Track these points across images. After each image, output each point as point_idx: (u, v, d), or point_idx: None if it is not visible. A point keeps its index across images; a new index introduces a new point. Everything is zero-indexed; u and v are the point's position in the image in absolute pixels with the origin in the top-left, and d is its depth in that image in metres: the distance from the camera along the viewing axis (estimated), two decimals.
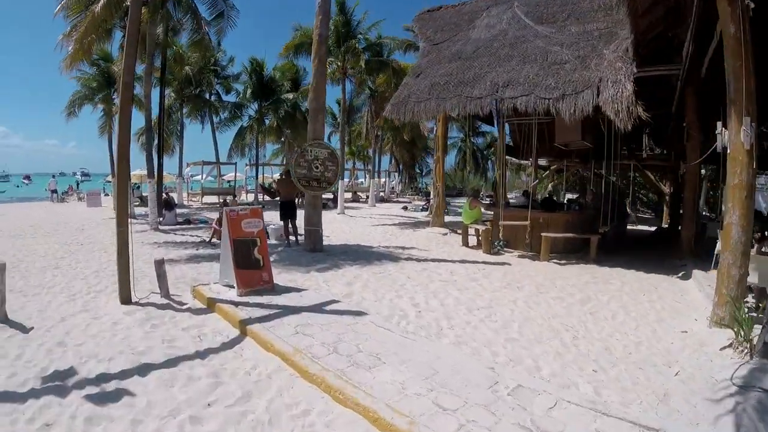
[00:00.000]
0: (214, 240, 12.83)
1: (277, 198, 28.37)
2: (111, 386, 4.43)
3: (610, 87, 8.94)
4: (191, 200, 30.31)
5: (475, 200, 13.20)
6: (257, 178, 30.89)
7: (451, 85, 11.64)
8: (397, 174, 46.84)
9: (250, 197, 32.06)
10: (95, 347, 5.37)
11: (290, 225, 12.02)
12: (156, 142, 19.24)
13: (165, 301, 7.28)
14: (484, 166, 47.81)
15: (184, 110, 29.32)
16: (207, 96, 29.97)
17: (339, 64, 22.85)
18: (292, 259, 10.32)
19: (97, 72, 23.93)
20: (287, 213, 11.98)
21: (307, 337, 5.26)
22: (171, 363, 4.99)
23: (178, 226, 17.08)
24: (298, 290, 7.39)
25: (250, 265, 7.38)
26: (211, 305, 6.90)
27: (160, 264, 7.44)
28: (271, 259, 8.09)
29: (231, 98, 31.33)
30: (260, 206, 23.94)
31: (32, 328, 5.89)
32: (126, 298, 7.10)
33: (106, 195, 32.49)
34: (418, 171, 51.85)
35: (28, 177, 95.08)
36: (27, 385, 4.38)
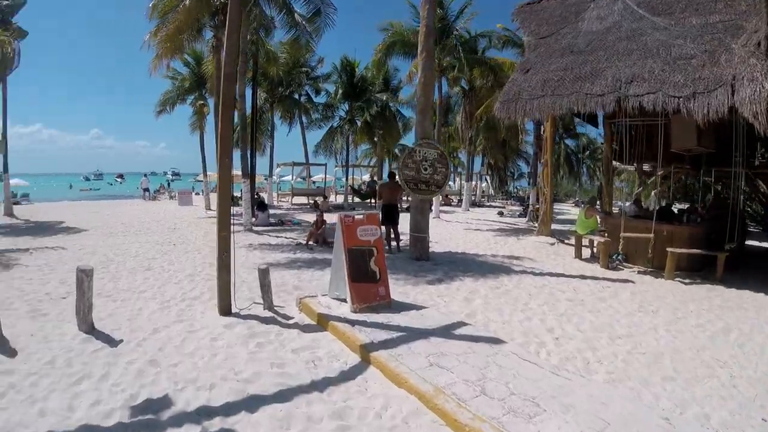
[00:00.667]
0: (310, 243, 12.97)
1: (369, 201, 28.97)
2: (215, 425, 3.86)
3: (747, 86, 8.79)
4: (280, 201, 31.19)
5: (591, 209, 12.81)
6: (347, 179, 31.57)
7: (567, 81, 11.60)
8: (488, 177, 46.49)
9: (339, 198, 32.63)
10: (193, 369, 4.91)
11: (392, 231, 12.13)
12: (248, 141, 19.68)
13: (269, 313, 6.82)
14: (578, 170, 45.49)
15: (275, 111, 30.39)
16: (297, 97, 30.99)
17: (435, 61, 22.59)
18: (398, 268, 9.99)
19: (189, 72, 25.50)
20: (389, 218, 12.04)
21: (445, 371, 4.75)
22: (284, 396, 4.40)
23: (270, 227, 17.25)
24: (417, 308, 6.99)
25: (365, 277, 6.91)
26: (322, 322, 6.41)
27: (264, 274, 6.97)
28: None
29: (320, 99, 32.38)
30: (352, 208, 23.25)
31: (121, 340, 5.59)
32: (225, 309, 6.69)
33: (197, 194, 34.42)
34: (509, 174, 51.47)
35: (120, 176, 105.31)
36: (112, 418, 3.92)
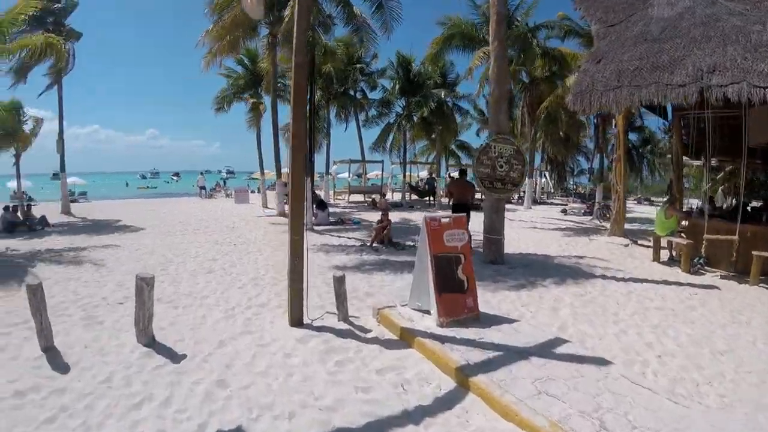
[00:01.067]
0: (375, 244, 12.52)
1: (428, 199, 28.26)
2: None
3: None
4: (337, 198, 30.93)
5: (672, 208, 12.10)
6: (404, 176, 31.08)
7: (644, 71, 11.04)
8: (547, 173, 45.42)
9: (396, 196, 32.15)
10: (267, 392, 4.33)
11: None
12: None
13: (344, 325, 6.21)
14: (639, 166, 43.42)
15: (331, 108, 30.36)
16: (352, 93, 30.92)
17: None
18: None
19: (244, 71, 25.58)
20: None
21: (556, 400, 4.19)
22: (375, 430, 3.83)
23: (331, 227, 16.81)
24: (508, 321, 6.36)
25: (453, 287, 6.23)
26: (406, 337, 5.75)
27: (340, 282, 6.34)
28: None
29: (376, 95, 32.20)
30: (410, 206, 22.34)
31: (184, 355, 5.07)
32: (297, 320, 6.11)
33: (252, 192, 34.61)
34: (568, 170, 50.00)
35: (176, 174, 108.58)
36: None
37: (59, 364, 4.82)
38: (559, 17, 22.65)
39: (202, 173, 42.41)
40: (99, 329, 5.89)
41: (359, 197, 30.35)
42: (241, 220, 18.54)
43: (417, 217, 19.90)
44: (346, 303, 6.42)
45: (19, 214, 16.87)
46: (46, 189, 40.78)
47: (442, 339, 5.49)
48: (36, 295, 4.99)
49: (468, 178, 12.77)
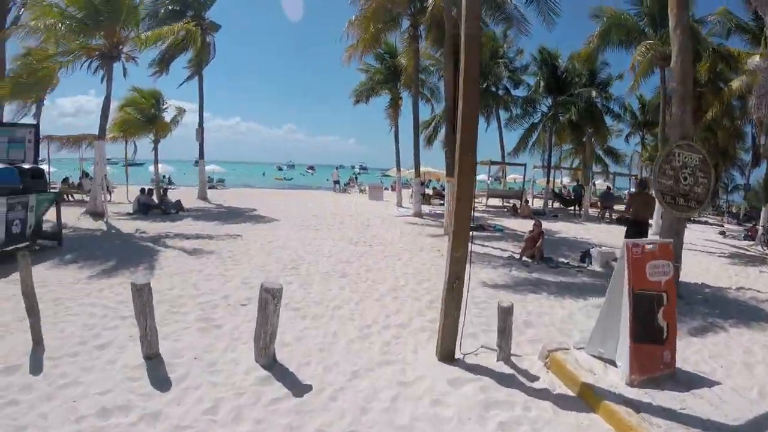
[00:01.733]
0: (525, 258, 11.24)
1: (573, 208, 25.87)
2: None
3: None
4: (473, 201, 29.65)
5: None
6: (548, 182, 29.29)
7: None
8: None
9: (537, 203, 29.95)
10: None
11: None
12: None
13: (505, 368, 5.00)
14: None
15: None
16: (495, 90, 29.44)
17: (655, 49, 19.24)
18: None
19: (382, 65, 25.27)
20: (636, 237, 9.92)
21: None
22: None
23: (473, 233, 15.55)
24: (708, 383, 4.94)
25: (651, 336, 4.89)
26: (588, 397, 4.48)
27: (506, 314, 5.14)
28: (592, 301, 7.59)
29: (519, 92, 30.41)
30: (554, 215, 20.22)
31: (309, 387, 4.18)
32: (448, 354, 5.01)
33: (386, 189, 34.32)
34: (721, 185, 43.74)
35: (311, 167, 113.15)
36: None
37: (160, 379, 4.15)
38: (721, 13, 19.66)
39: (336, 168, 43.14)
40: (214, 336, 5.25)
41: (496, 201, 28.88)
42: (375, 217, 17.96)
43: (562, 228, 18.32)
44: (510, 341, 5.21)
45: (154, 197, 17.57)
46: (188, 175, 43.62)
47: (636, 406, 4.18)
48: (142, 296, 4.37)
49: (650, 192, 11.02)
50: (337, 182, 36.74)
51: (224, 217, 16.02)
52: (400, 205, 23.86)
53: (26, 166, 9.52)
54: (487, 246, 12.99)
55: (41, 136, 21.66)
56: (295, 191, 34.98)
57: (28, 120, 22.21)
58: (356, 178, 50.90)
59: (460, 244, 4.93)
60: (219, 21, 23.59)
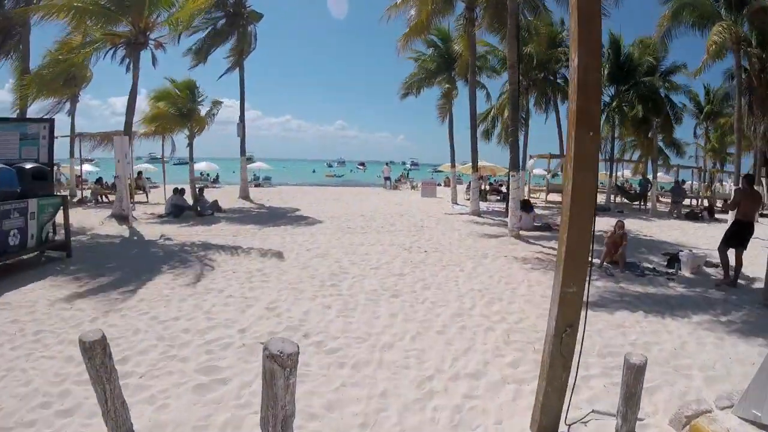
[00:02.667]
0: (606, 264, 9.62)
1: (639, 203, 23.69)
2: None
3: None
4: (532, 197, 27.49)
5: None
6: (611, 176, 27.14)
7: None
8: (764, 179, 36.49)
9: (599, 198, 27.60)
10: None
11: (738, 257, 9.14)
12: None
13: None
14: None
15: (530, 96, 27.15)
16: (553, 79, 27.37)
17: (731, 31, 16.99)
18: (758, 327, 6.31)
19: (434, 53, 23.45)
20: (740, 239, 9.17)
21: None
22: None
23: (537, 232, 13.82)
24: None
25: None
26: None
27: (636, 375, 3.43)
28: (697, 320, 6.42)
29: None
30: (619, 211, 17.83)
31: None
32: (551, 427, 3.39)
33: (438, 185, 32.64)
34: None
35: (362, 164, 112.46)
36: None
37: None
38: None
39: (387, 164, 41.74)
40: (214, 400, 3.79)
41: (557, 197, 26.83)
42: (429, 217, 16.33)
43: (631, 225, 16.24)
44: (637, 408, 3.54)
45: (188, 197, 16.41)
46: (237, 173, 42.79)
47: None
48: (94, 360, 2.92)
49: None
50: (387, 179, 35.23)
51: (263, 219, 14.75)
52: (455, 202, 22.20)
53: (28, 165, 8.34)
54: (556, 247, 11.22)
55: (74, 134, 21.34)
56: (344, 188, 33.63)
57: (62, 117, 21.95)
58: (407, 174, 49.29)
59: (574, 275, 3.25)
60: (267, 15, 22.59)
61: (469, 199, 25.22)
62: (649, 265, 9.85)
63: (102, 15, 13.22)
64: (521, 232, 13.18)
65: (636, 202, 24.83)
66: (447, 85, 22.98)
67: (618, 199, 26.16)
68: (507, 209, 17.24)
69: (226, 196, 22.85)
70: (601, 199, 26.23)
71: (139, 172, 23.43)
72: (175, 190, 16.02)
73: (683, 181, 29.08)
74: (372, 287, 7.21)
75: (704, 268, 9.87)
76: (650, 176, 27.03)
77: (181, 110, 17.90)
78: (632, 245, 11.68)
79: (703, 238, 14.08)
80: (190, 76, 19.41)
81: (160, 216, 15.22)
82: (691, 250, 10.25)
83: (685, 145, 34.08)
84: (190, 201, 16.40)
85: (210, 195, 19.78)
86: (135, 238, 11.56)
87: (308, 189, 31.96)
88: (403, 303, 6.50)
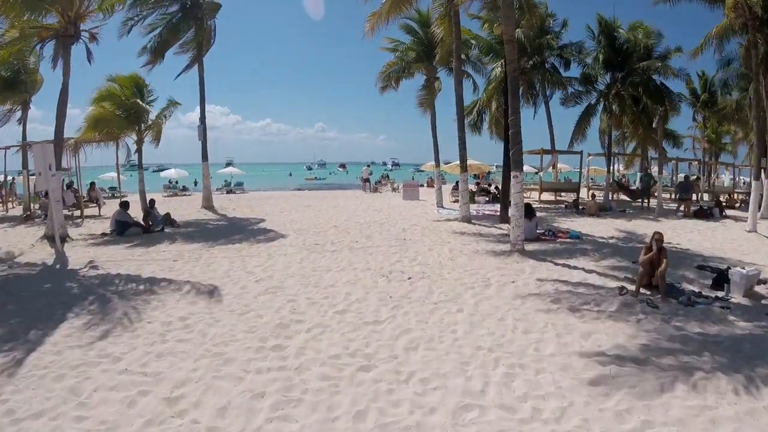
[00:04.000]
0: (642, 291, 7.39)
1: (642, 201, 21.21)
2: None
3: None
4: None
5: None
6: (609, 170, 24.64)
7: None
8: None
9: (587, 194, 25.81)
10: None
11: None
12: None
13: None
14: None
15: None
16: (541, 68, 24.80)
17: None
18: None
19: (414, 41, 20.99)
20: None
21: None
22: None
23: (542, 243, 11.67)
24: None
25: None
26: None
27: None
28: None
29: (571, 73, 25.59)
30: (621, 210, 17.98)
31: None
32: None
33: (421, 186, 30.35)
34: None
35: (343, 165, 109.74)
36: None
37: None
38: None
39: (368, 165, 39.50)
40: None
41: (549, 196, 25.00)
42: (413, 225, 14.10)
43: (638, 227, 14.55)
44: None
45: (132, 211, 13.92)
46: (213, 179, 40.03)
47: None
48: None
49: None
50: (366, 180, 32.80)
51: (218, 235, 12.45)
52: (440, 205, 20.00)
53: None
54: (572, 266, 9.14)
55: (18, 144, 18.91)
56: (322, 192, 31.27)
57: (11, 127, 19.45)
58: (388, 176, 46.85)
59: None
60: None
61: (456, 202, 23.04)
62: (692, 288, 7.70)
63: (26, 5, 10.96)
64: (528, 245, 11.10)
65: (638, 200, 22.42)
66: (426, 73, 20.29)
67: (615, 197, 23.77)
68: (500, 212, 15.10)
69: (189, 205, 20.51)
70: (598, 196, 24.17)
71: (92, 183, 20.91)
72: (122, 204, 13.61)
73: (692, 176, 26.77)
74: (333, 351, 4.92)
75: (759, 289, 7.78)
76: (651, 171, 25.12)
77: (128, 111, 15.46)
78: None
79: (727, 242, 12.15)
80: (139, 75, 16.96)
81: (104, 234, 12.88)
82: (744, 269, 7.94)
83: (681, 137, 32.17)
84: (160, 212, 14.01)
85: (175, 204, 17.51)
86: (58, 266, 9.27)
87: (283, 195, 29.56)
88: (377, 385, 4.20)
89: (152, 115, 16.53)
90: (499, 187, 27.40)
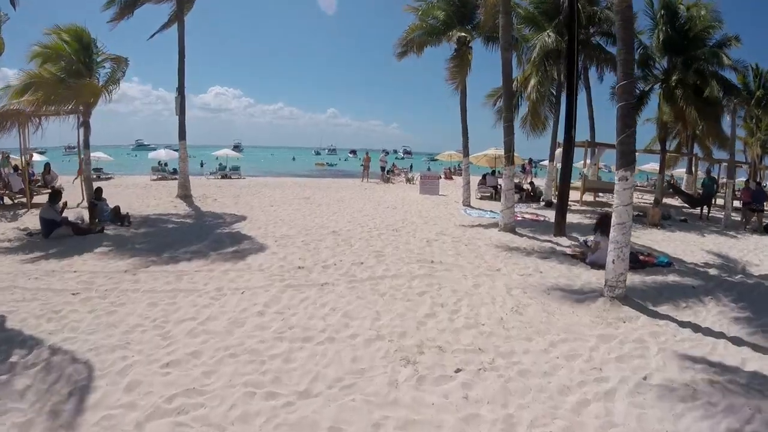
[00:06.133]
0: None
1: (702, 209, 17.66)
2: None
3: None
4: (557, 196, 21.14)
5: None
6: (662, 170, 21.07)
7: None
8: None
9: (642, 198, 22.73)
10: None
11: None
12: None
13: None
14: None
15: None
16: (586, 44, 19.97)
17: None
18: None
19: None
20: None
21: None
22: None
23: (630, 275, 7.97)
24: None
25: None
26: None
27: None
28: None
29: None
30: (683, 220, 14.54)
31: None
32: None
33: (439, 178, 26.31)
34: None
35: (353, 152, 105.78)
36: None
37: None
38: None
39: (385, 152, 35.56)
40: None
41: (589, 197, 20.55)
42: (439, 234, 10.37)
43: (723, 246, 11.13)
44: None
45: (62, 205, 10.22)
46: (208, 163, 36.69)
47: None
48: None
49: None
50: (383, 169, 28.82)
51: (170, 243, 8.80)
52: (467, 204, 16.21)
53: None
54: (703, 327, 5.56)
55: None
56: (326, 181, 27.27)
57: None
58: (411, 168, 42.39)
59: None
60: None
61: (483, 199, 19.22)
62: None
63: None
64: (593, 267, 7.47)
65: (698, 207, 18.01)
66: (461, 35, 15.83)
67: (677, 201, 19.86)
68: (556, 221, 11.14)
69: (166, 192, 16.99)
70: (647, 199, 20.18)
71: (46, 165, 17.37)
72: (51, 196, 9.97)
73: (761, 183, 22.20)
74: None
75: None
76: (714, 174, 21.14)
77: (70, 71, 11.67)
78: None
79: None
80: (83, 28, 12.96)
81: (30, 234, 9.46)
82: None
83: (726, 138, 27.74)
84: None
85: (153, 191, 13.98)
86: None
87: (282, 182, 25.79)
88: None
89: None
90: (535, 183, 23.55)
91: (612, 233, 6.30)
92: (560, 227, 10.75)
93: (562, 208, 10.90)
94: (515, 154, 23.59)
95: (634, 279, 7.25)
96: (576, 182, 19.36)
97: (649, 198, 24.76)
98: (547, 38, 15.89)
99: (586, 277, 7.42)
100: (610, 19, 18.73)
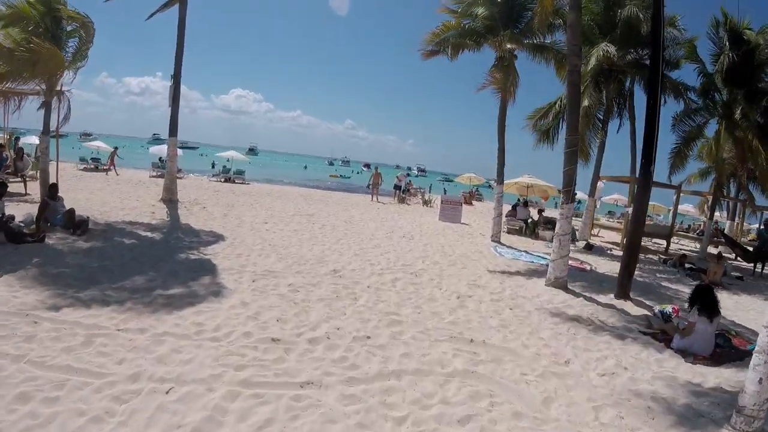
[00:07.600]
0: None
1: (753, 266, 14.70)
2: None
3: None
4: (593, 236, 18.57)
5: None
6: (711, 216, 18.55)
7: None
8: None
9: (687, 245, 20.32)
10: None
11: None
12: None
13: None
14: None
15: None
16: (637, 65, 17.36)
17: None
18: None
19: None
20: None
21: None
22: None
23: (732, 370, 5.76)
24: None
25: None
26: None
27: None
28: None
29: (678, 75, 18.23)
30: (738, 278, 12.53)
31: None
32: None
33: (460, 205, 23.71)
34: None
35: (367, 165, 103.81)
36: None
37: None
38: None
39: (406, 172, 33.15)
40: None
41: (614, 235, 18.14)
42: (471, 285, 7.92)
43: None
44: None
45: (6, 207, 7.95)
46: (216, 162, 34.90)
47: None
48: None
49: None
50: (398, 188, 26.10)
51: (112, 270, 6.42)
52: (497, 240, 13.71)
53: None
54: None
55: None
56: (335, 196, 24.69)
57: None
58: (430, 188, 39.47)
59: None
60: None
61: (511, 233, 16.63)
62: None
63: None
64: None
65: (755, 264, 14.88)
66: (500, 47, 13.43)
67: (733, 257, 16.38)
68: (620, 279, 8.46)
69: (151, 193, 14.84)
70: (691, 246, 17.58)
71: (19, 149, 15.16)
72: None
73: None
74: None
75: None
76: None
77: (38, 33, 9.36)
78: None
79: None
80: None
81: None
82: None
83: None
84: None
85: (141, 190, 11.75)
86: None
87: (287, 191, 23.45)
88: None
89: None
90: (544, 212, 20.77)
91: (760, 340, 3.83)
92: (624, 289, 8.22)
93: (629, 263, 8.35)
94: (547, 183, 21.42)
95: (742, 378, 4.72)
96: (602, 219, 16.79)
97: (687, 244, 22.20)
98: (606, 48, 13.47)
99: (686, 377, 4.98)
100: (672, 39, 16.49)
